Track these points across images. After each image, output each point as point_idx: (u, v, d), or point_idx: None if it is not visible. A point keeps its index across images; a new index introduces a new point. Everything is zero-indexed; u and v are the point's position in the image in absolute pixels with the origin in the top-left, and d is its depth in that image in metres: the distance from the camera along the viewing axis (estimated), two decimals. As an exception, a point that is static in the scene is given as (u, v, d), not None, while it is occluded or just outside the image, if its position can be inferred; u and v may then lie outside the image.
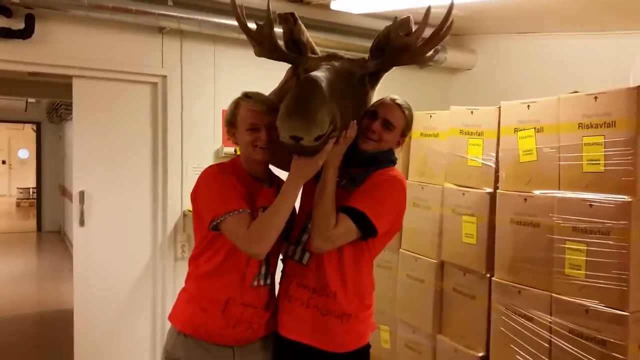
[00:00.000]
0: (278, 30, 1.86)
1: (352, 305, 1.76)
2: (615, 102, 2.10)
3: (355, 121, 1.71)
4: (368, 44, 3.63)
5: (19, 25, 2.90)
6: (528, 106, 2.45)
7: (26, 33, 2.91)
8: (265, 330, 1.85)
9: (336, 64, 1.73)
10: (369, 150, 1.79)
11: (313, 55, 1.88)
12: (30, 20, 2.91)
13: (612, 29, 3.13)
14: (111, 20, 3.04)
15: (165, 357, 1.84)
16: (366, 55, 1.84)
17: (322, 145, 1.58)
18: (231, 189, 1.71)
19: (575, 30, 3.39)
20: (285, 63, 1.91)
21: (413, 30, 1.70)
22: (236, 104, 1.80)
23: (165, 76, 3.39)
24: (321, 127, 1.50)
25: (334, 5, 3.16)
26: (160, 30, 3.29)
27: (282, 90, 1.92)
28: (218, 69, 3.52)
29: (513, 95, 2.68)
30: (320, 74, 1.59)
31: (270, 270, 1.86)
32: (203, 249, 1.80)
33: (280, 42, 1.92)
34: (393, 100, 1.82)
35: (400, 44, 1.70)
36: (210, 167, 1.83)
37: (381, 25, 3.92)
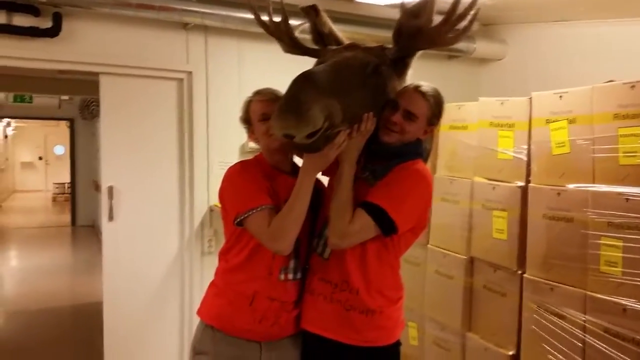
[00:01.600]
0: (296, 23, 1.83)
1: (376, 302, 1.71)
2: (654, 91, 2.00)
3: (372, 113, 1.64)
4: (394, 35, 3.59)
5: (46, 24, 2.94)
6: (560, 97, 2.35)
7: (54, 31, 2.96)
8: (294, 328, 1.83)
9: (348, 54, 1.68)
10: (391, 143, 1.71)
11: (332, 47, 1.83)
12: (57, 19, 2.95)
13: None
14: (135, 17, 3.05)
15: (193, 350, 1.84)
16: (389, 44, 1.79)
17: (319, 142, 1.54)
18: (253, 183, 1.74)
19: (610, 17, 3.25)
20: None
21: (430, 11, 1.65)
22: (248, 102, 1.87)
23: (190, 72, 3.39)
24: (312, 124, 1.47)
25: (358, -3, 3.11)
26: (185, 26, 3.29)
27: None
28: (242, 64, 3.51)
29: (545, 86, 2.58)
30: (317, 69, 1.56)
31: (300, 264, 1.82)
32: (232, 243, 1.81)
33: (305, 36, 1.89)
34: (416, 87, 1.73)
35: (412, 28, 1.66)
36: (234, 164, 1.85)
37: (407, 16, 3.82)
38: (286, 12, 1.84)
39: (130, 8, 2.90)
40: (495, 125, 2.70)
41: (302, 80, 1.50)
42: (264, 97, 1.82)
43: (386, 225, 1.63)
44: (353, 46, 1.75)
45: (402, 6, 1.66)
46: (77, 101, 9.10)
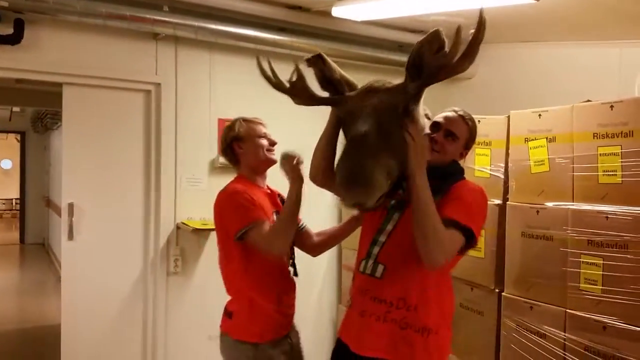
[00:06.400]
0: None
1: (432, 319, 1.66)
2: (633, 111, 2.04)
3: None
4: (369, 52, 3.57)
5: (7, 30, 2.79)
6: (539, 115, 2.38)
7: (15, 38, 2.80)
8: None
9: (375, 101, 1.63)
10: (432, 162, 1.67)
11: (351, 94, 1.76)
12: (19, 25, 2.80)
13: (616, 38, 3.09)
14: (104, 26, 2.93)
15: None
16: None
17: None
18: (249, 202, 1.99)
19: (578, 39, 3.35)
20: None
21: (445, 42, 1.54)
22: (243, 122, 2.15)
23: (159, 84, 3.28)
24: (380, 189, 1.49)
25: (335, 12, 3.08)
26: (155, 36, 3.19)
27: (333, 129, 1.83)
28: (214, 76, 3.42)
29: (514, 105, 2.62)
30: (365, 128, 1.53)
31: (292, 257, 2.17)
32: (245, 257, 2.01)
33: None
34: (455, 111, 1.79)
35: (436, 65, 1.57)
36: (227, 188, 2.09)
37: (383, 33, 3.81)
38: (300, 70, 1.78)
39: (100, 17, 2.78)
40: (471, 143, 2.71)
41: (358, 145, 1.52)
42: (260, 120, 2.19)
43: (472, 243, 1.64)
44: (374, 90, 1.68)
45: (424, 39, 1.56)
46: (29, 113, 8.73)
